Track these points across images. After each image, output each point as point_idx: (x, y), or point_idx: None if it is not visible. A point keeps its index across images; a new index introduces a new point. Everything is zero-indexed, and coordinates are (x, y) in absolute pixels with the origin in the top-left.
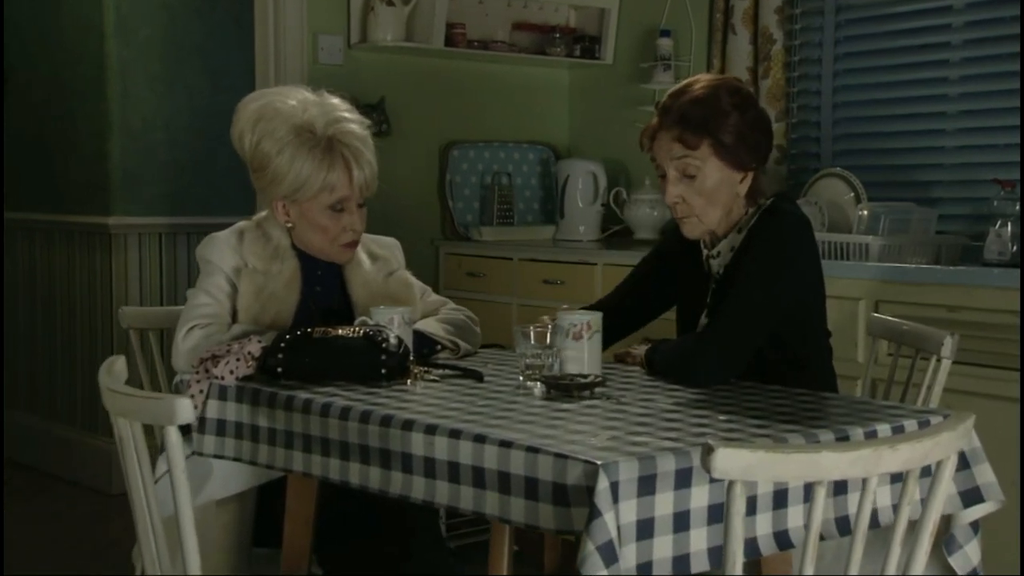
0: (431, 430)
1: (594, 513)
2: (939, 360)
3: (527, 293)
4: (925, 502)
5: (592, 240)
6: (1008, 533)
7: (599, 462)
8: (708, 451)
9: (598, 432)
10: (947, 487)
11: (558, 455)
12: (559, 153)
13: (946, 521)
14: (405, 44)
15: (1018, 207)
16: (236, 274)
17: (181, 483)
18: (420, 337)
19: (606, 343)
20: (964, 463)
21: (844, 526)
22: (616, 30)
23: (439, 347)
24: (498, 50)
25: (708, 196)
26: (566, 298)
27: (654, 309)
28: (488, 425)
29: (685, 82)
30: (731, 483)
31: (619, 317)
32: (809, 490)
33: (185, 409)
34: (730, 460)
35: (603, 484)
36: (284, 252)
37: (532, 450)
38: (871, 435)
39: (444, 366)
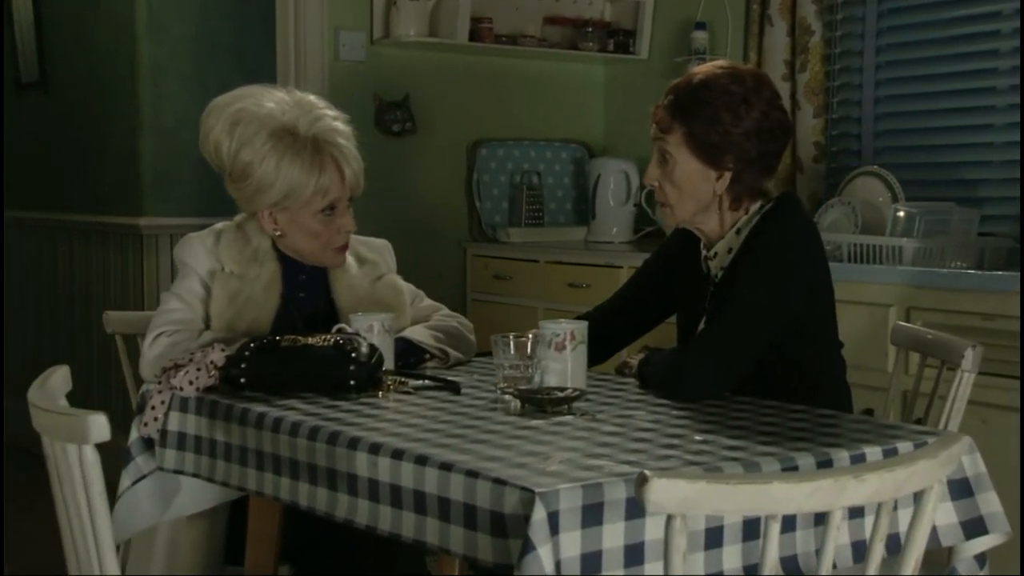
0: (375, 449)
1: (527, 547)
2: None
3: (553, 296)
4: (905, 538)
5: (624, 242)
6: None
7: (536, 489)
8: (641, 481)
9: (553, 453)
10: (929, 521)
11: (496, 480)
12: (593, 151)
13: (947, 553)
14: (428, 39)
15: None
16: (211, 277)
17: (100, 507)
18: (406, 345)
19: (607, 351)
20: (967, 491)
21: None
22: (652, 23)
23: (427, 356)
24: (527, 45)
25: (679, 187)
26: (591, 302)
27: (657, 313)
28: (439, 444)
29: (703, 65)
30: (669, 518)
31: (620, 323)
32: (790, 520)
33: (99, 427)
34: (665, 492)
35: (539, 514)
36: (264, 255)
37: (472, 474)
38: (858, 459)
39: (422, 376)
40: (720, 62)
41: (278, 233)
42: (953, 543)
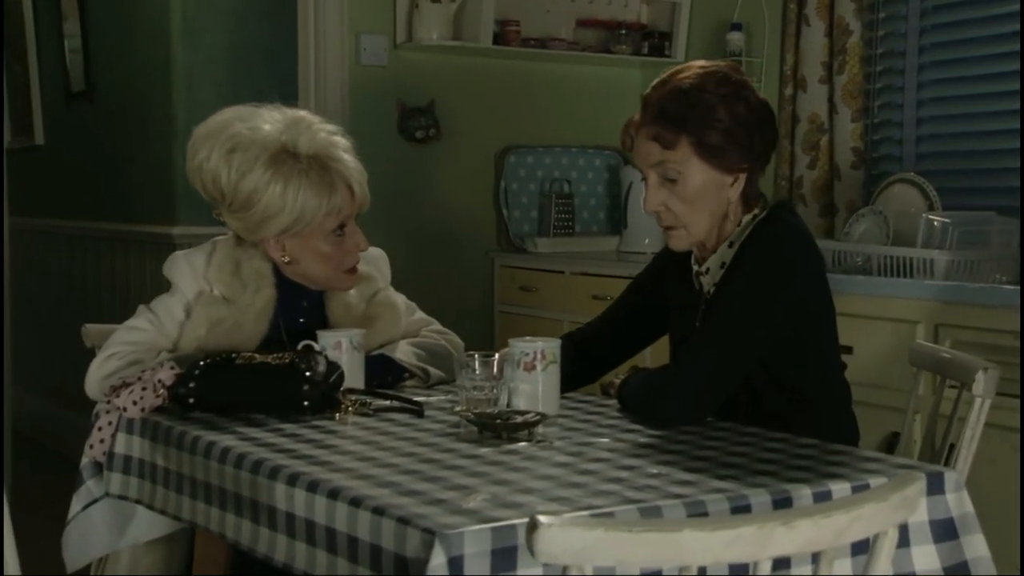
0: (292, 481)
1: None
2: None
3: (578, 309)
4: None
5: (656, 252)
6: None
7: (437, 531)
8: (531, 528)
9: (479, 488)
10: (884, 569)
11: (400, 519)
12: (628, 158)
13: None
14: (450, 43)
15: None
16: (197, 299)
17: None
18: (384, 363)
19: (597, 371)
20: (951, 533)
21: None
22: (688, 25)
23: (406, 375)
24: (556, 48)
25: (692, 202)
26: None
27: (648, 332)
28: (363, 476)
29: (671, 71)
30: (565, 569)
31: (608, 341)
32: (741, 567)
33: None
34: (557, 541)
35: (438, 559)
36: (261, 280)
37: (378, 511)
38: (822, 496)
39: (388, 396)
40: (691, 66)
41: (287, 260)
42: None
